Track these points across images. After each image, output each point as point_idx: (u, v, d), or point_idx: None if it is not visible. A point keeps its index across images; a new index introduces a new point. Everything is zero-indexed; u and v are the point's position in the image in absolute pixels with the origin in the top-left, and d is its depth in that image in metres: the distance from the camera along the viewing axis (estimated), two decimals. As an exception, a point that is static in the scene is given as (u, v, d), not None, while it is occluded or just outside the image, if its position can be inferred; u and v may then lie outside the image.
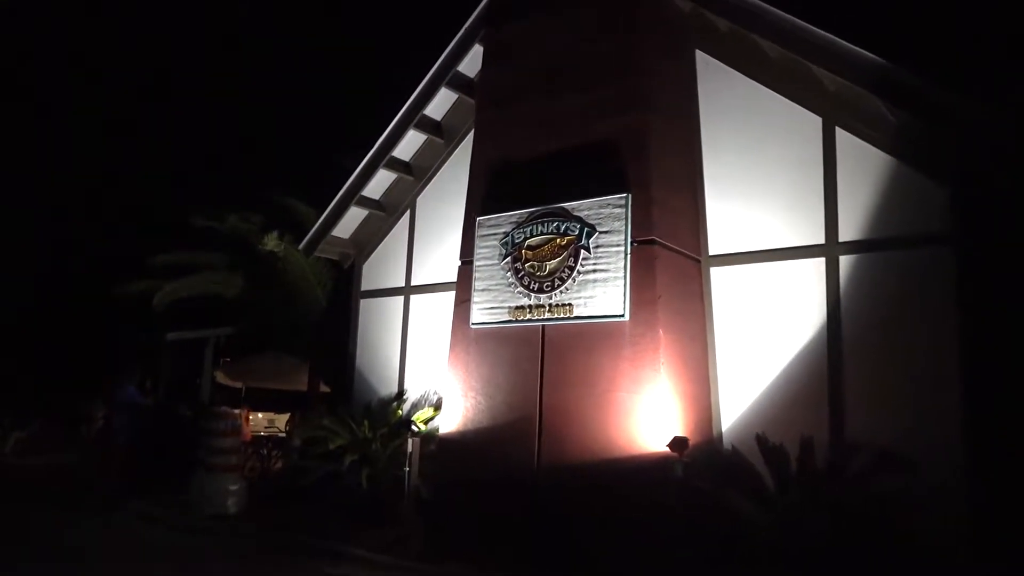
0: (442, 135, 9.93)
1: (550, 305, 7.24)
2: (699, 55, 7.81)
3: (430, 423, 8.58)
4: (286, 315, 11.90)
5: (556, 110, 7.71)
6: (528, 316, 7.37)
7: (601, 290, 6.94)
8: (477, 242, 7.96)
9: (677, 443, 6.10)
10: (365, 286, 10.60)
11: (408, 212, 10.28)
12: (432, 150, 10.03)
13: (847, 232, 6.75)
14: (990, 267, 6.03)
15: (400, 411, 8.85)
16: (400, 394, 9.66)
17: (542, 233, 7.43)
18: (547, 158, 7.66)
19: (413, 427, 7.80)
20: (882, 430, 6.20)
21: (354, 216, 10.45)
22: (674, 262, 7.03)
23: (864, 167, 6.73)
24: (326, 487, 8.26)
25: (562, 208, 7.35)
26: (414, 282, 9.98)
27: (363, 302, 10.56)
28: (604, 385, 6.79)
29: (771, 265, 7.09)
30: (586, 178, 7.30)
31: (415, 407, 9.40)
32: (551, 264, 7.31)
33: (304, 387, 13.34)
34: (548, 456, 6.98)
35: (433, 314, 9.59)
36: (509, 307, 7.54)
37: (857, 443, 6.22)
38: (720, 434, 7.06)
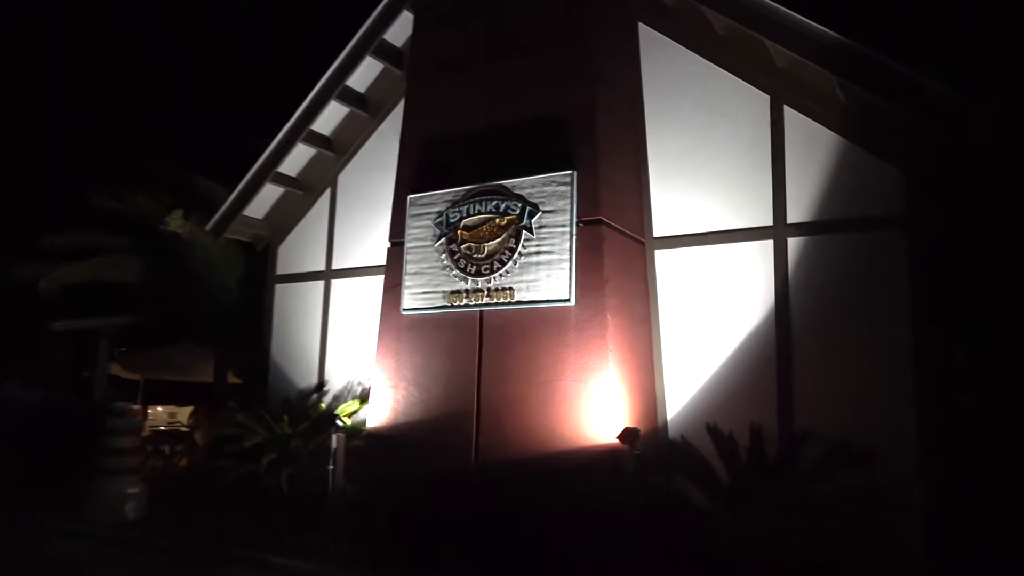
0: (367, 108, 9.26)
1: (489, 289, 6.75)
2: (643, 29, 7.46)
3: (355, 416, 7.97)
4: (192, 302, 10.95)
5: (496, 81, 7.20)
6: (465, 301, 6.87)
7: (545, 273, 6.51)
8: (409, 222, 7.38)
9: (628, 435, 5.75)
10: (281, 270, 9.82)
11: (329, 191, 9.56)
12: (355, 124, 9.34)
13: (796, 214, 6.55)
14: (943, 250, 5.94)
15: (322, 404, 8.18)
16: (320, 386, 8.98)
17: (480, 212, 6.93)
18: (486, 132, 7.15)
19: (337, 421, 7.17)
20: (833, 419, 6.04)
21: (269, 194, 9.64)
22: (620, 244, 6.67)
23: (813, 147, 6.55)
24: (243, 489, 7.54)
25: (502, 186, 6.86)
26: (336, 265, 9.29)
27: (279, 287, 9.78)
28: (548, 374, 6.37)
29: (717, 248, 6.84)
30: (529, 154, 6.83)
31: (337, 399, 8.77)
32: (490, 246, 6.82)
33: (210, 379, 12.43)
34: (489, 450, 6.52)
35: (357, 300, 8.95)
36: (444, 292, 7.01)
37: (808, 432, 6.03)
38: (665, 423, 6.77)
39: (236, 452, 7.48)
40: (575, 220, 6.46)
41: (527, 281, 6.58)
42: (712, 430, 6.07)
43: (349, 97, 9.08)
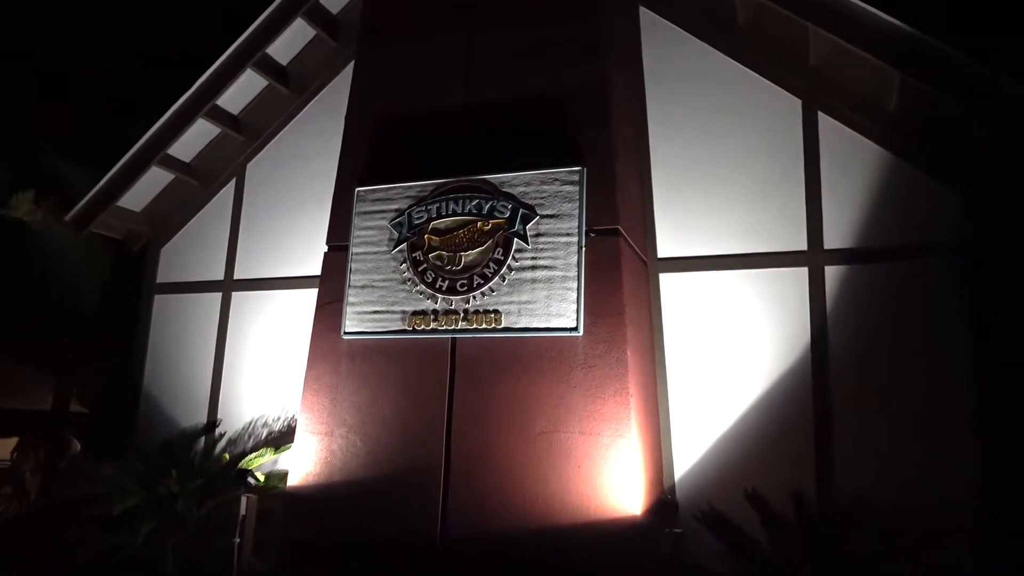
0: (288, 83, 7.53)
1: (467, 312, 5.26)
2: (644, 15, 6.32)
3: (264, 466, 6.17)
4: (36, 307, 8.61)
5: (478, 55, 5.79)
6: (433, 325, 5.33)
7: (543, 294, 5.11)
8: (356, 221, 5.77)
9: (665, 509, 4.45)
10: (164, 277, 7.80)
11: (234, 182, 7.70)
12: (273, 103, 7.58)
13: (834, 238, 5.54)
14: (1008, 282, 5.08)
15: (226, 455, 6.28)
16: (212, 425, 7.04)
17: (455, 213, 5.45)
18: (464, 114, 5.70)
19: (249, 478, 5.37)
20: (883, 478, 5.00)
21: (154, 182, 7.66)
22: (632, 264, 5.40)
23: (853, 162, 5.58)
24: (107, 566, 5.52)
25: (485, 181, 5.43)
26: (239, 275, 7.42)
27: (159, 299, 7.75)
28: (546, 423, 4.95)
29: (737, 275, 5.70)
30: (521, 144, 5.45)
31: (235, 444, 6.88)
32: (469, 256, 5.35)
33: (47, 406, 10.02)
34: (459, 516, 4.99)
35: (267, 319, 7.13)
36: (404, 312, 5.44)
37: (859, 498, 4.94)
38: (673, 486, 5.50)
39: (100, 517, 5.47)
40: (584, 228, 5.13)
41: (519, 303, 5.15)
42: (753, 497, 4.84)
43: (268, 68, 7.34)
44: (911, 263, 5.33)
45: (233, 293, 7.37)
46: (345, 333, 5.58)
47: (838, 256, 5.49)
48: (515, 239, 5.24)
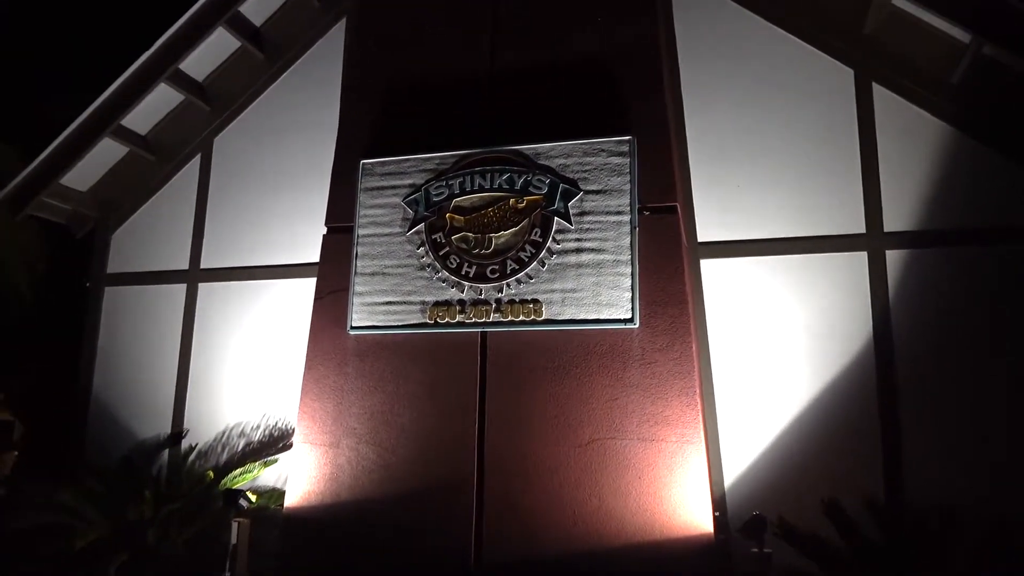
0: (262, 47, 6.64)
1: (500, 302, 4.56)
2: (672, -28, 5.73)
3: (253, 484, 5.33)
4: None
5: (507, 8, 5.08)
6: (460, 318, 4.61)
7: (591, 280, 4.45)
8: (362, 199, 4.99)
9: (754, 526, 3.84)
10: (116, 267, 6.79)
11: (199, 158, 6.75)
12: (245, 68, 6.68)
13: (895, 220, 5.06)
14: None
15: (209, 472, 5.38)
16: (178, 436, 6.11)
17: (483, 189, 4.74)
18: (490, 77, 5.00)
19: (241, 500, 4.53)
20: (959, 482, 4.54)
21: (104, 156, 6.67)
22: (686, 247, 4.79)
23: (913, 138, 5.11)
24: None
25: (518, 152, 4.73)
26: (207, 263, 6.49)
27: (111, 291, 6.74)
28: (598, 429, 4.29)
29: (785, 260, 5.17)
30: (559, 110, 4.79)
31: (203, 456, 5.99)
32: (501, 238, 4.65)
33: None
34: (497, 546, 4.29)
35: (242, 312, 6.25)
36: (423, 303, 4.70)
37: (936, 503, 4.46)
38: (723, 495, 4.92)
39: (57, 554, 4.53)
40: (636, 205, 4.49)
41: (562, 291, 4.47)
42: (831, 508, 4.28)
43: (239, 27, 6.44)
44: (980, 247, 4.88)
45: (200, 284, 6.44)
46: (352, 328, 4.80)
47: (900, 239, 5.01)
48: (555, 218, 4.57)
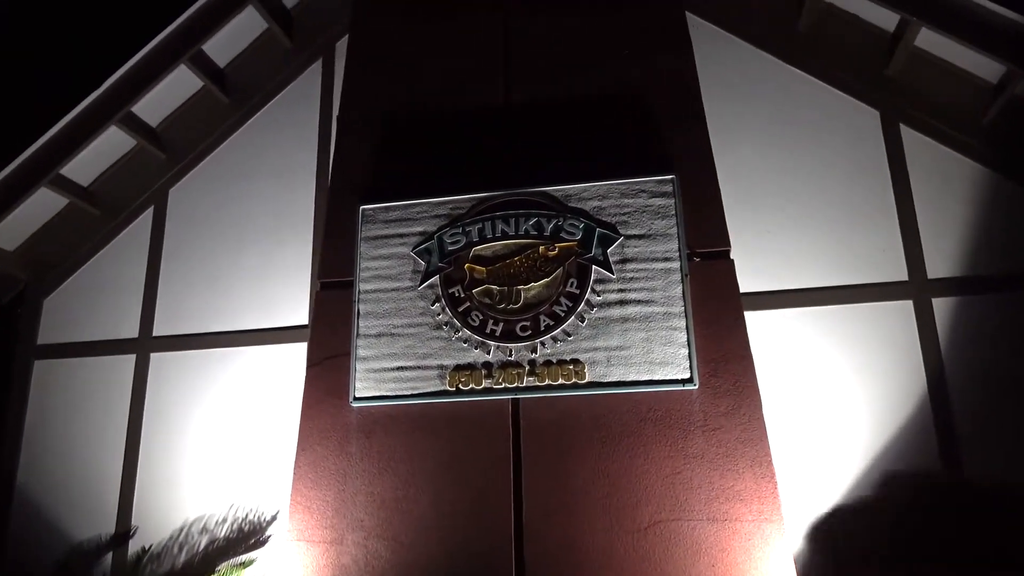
0: (226, 89, 5.98)
1: (534, 364, 3.93)
2: (692, 20, 5.39)
3: (223, 594, 4.43)
4: None
5: (524, 36, 4.65)
6: (487, 383, 3.95)
7: (640, 336, 3.89)
8: (363, 249, 4.32)
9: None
10: (48, 336, 5.82)
11: (151, 211, 5.94)
12: (207, 111, 6.00)
13: (938, 266, 4.74)
14: None
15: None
16: (124, 536, 5.13)
17: (506, 235, 4.16)
18: (506, 112, 4.49)
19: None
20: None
21: (37, 209, 5.79)
22: (735, 295, 4.30)
23: (949, 180, 4.86)
24: None
25: (545, 195, 4.20)
26: (160, 330, 5.62)
27: (41, 364, 5.75)
28: (657, 509, 3.67)
29: (825, 311, 4.76)
30: (589, 148, 4.30)
31: (156, 560, 5.03)
32: (531, 290, 4.05)
33: None
34: (547, 656, 3.55)
35: (202, 386, 5.39)
36: (442, 367, 4.03)
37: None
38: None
39: None
40: (685, 251, 4.00)
41: (607, 349, 3.89)
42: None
43: (202, 67, 5.78)
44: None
45: (152, 355, 5.56)
46: (356, 399, 4.07)
47: (945, 287, 4.68)
48: (593, 266, 4.02)
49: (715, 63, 5.22)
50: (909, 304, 4.68)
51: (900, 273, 4.75)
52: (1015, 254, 4.66)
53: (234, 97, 5.97)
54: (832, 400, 4.57)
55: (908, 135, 4.98)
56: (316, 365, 4.23)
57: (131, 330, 5.63)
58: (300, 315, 5.34)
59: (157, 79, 5.59)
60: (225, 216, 5.76)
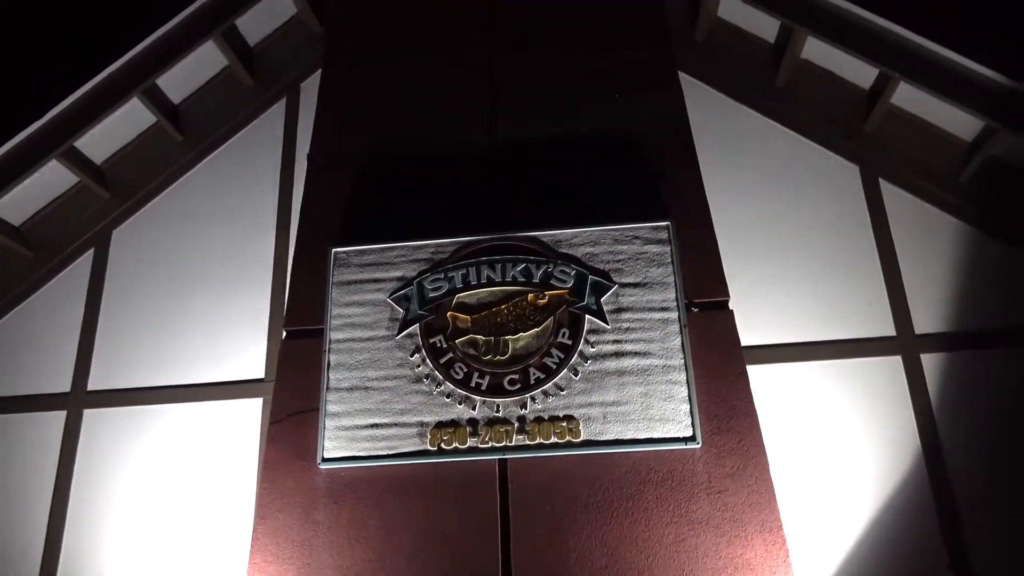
0: (180, 126, 5.62)
1: (524, 420, 3.62)
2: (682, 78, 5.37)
3: None
4: None
5: (509, 74, 4.49)
6: (472, 442, 3.61)
7: (638, 390, 3.63)
8: (334, 295, 3.98)
9: None
10: (-35, 390, 5.21)
11: (91, 254, 5.46)
12: (158, 149, 5.61)
13: (925, 321, 4.67)
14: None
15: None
16: (43, 619, 4.50)
17: (492, 282, 3.88)
18: (490, 153, 4.28)
19: None
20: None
21: (-41, 250, 5.24)
22: (730, 348, 4.10)
23: (931, 236, 4.85)
24: None
25: (533, 240, 3.96)
26: (96, 384, 5.08)
27: (-45, 422, 5.12)
28: (662, 582, 3.35)
29: (815, 366, 4.61)
30: (579, 191, 4.10)
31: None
32: (520, 340, 3.77)
33: None
34: None
35: (141, 446, 4.86)
36: (422, 424, 3.67)
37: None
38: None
39: None
40: (682, 300, 3.79)
41: (603, 405, 3.62)
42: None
43: (156, 101, 5.42)
44: (1015, 349, 4.54)
45: (85, 411, 5.01)
46: (324, 460, 3.66)
47: (933, 342, 4.60)
48: (586, 315, 3.77)
49: (697, 114, 5.13)
50: (898, 360, 4.57)
51: (888, 328, 4.65)
52: (998, 311, 4.63)
53: (188, 135, 5.61)
54: (824, 459, 4.38)
55: (888, 190, 4.97)
56: (280, 422, 3.82)
57: (63, 384, 5.08)
58: (255, 368, 4.92)
59: (106, 112, 5.20)
60: (174, 261, 5.33)
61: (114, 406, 4.98)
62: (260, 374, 4.88)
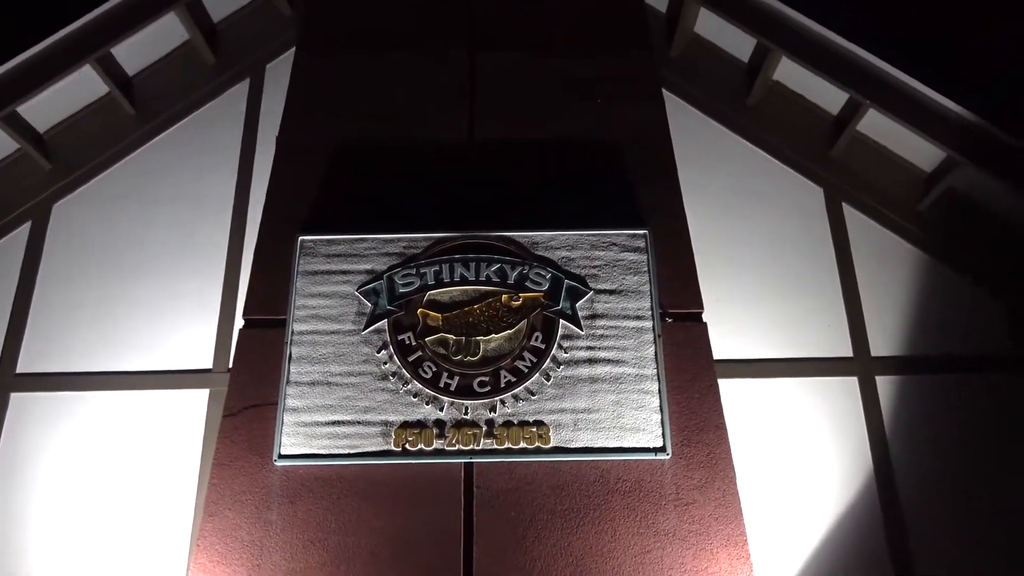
0: (133, 100, 5.35)
1: (492, 424, 3.54)
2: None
3: None
4: None
5: (492, 73, 4.40)
6: (438, 444, 3.50)
7: (610, 398, 3.59)
8: (299, 285, 3.82)
9: None
10: None
11: (28, 227, 5.12)
12: (108, 121, 5.32)
13: (881, 344, 4.79)
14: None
15: None
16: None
17: (466, 280, 3.79)
18: (470, 150, 4.20)
19: None
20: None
21: None
22: (699, 361, 4.10)
23: (889, 261, 4.99)
24: None
25: (510, 240, 3.89)
26: (25, 366, 4.75)
27: None
28: (626, 594, 3.31)
29: (770, 383, 4.67)
30: (558, 194, 4.06)
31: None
32: (492, 342, 3.68)
33: None
34: None
35: (77, 435, 4.57)
36: (386, 424, 3.55)
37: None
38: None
39: None
40: (657, 309, 3.77)
41: (575, 412, 3.56)
42: None
43: (109, 71, 5.15)
44: (964, 375, 4.70)
45: (12, 395, 4.68)
46: (280, 457, 3.49)
47: (887, 365, 4.72)
48: (561, 320, 3.71)
49: (678, 124, 5.17)
50: (855, 381, 4.67)
51: (846, 349, 4.75)
52: (951, 338, 4.78)
53: (142, 110, 5.34)
54: (782, 474, 4.43)
55: (851, 214, 5.09)
56: (234, 415, 3.63)
57: (-14, 364, 4.73)
58: (202, 358, 4.69)
59: (55, 78, 4.90)
60: (119, 240, 5.05)
61: (45, 391, 4.67)
62: (208, 364, 4.66)
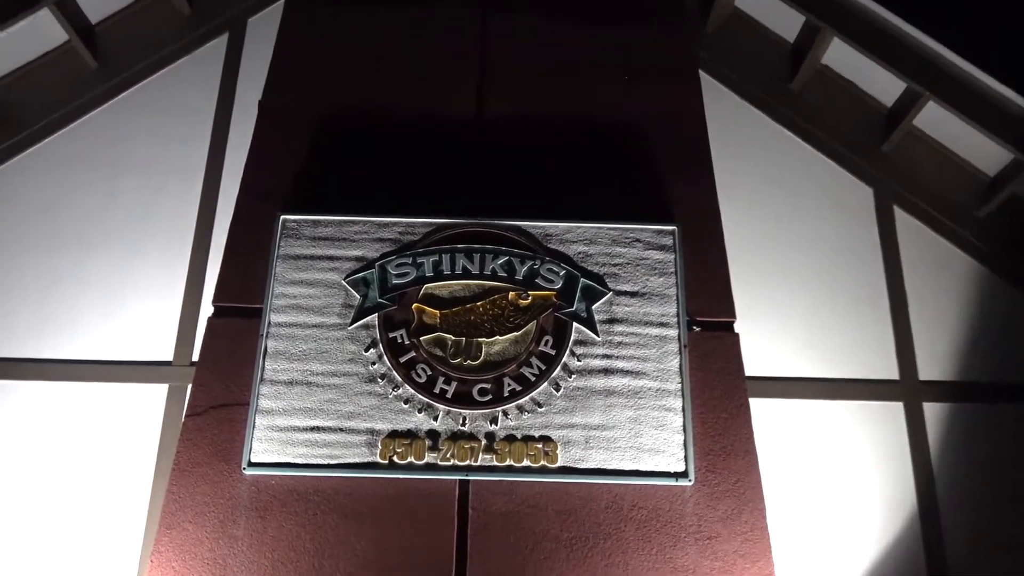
0: (95, 51, 5.32)
1: (493, 437, 3.52)
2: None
3: None
4: None
5: (506, 43, 4.40)
6: (430, 457, 3.49)
7: (627, 414, 3.58)
8: (279, 270, 3.80)
9: None
10: None
11: (-31, 191, 5.10)
12: (64, 74, 5.29)
13: (930, 368, 4.79)
14: None
15: None
16: None
17: (468, 274, 3.78)
18: (477, 129, 4.19)
19: None
20: None
21: None
22: (728, 376, 4.10)
23: (942, 271, 5.01)
24: None
25: (519, 231, 3.88)
26: (-32, 350, 4.73)
27: None
28: (638, 636, 3.30)
29: (805, 405, 4.68)
30: (578, 179, 4.05)
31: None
32: (495, 345, 3.67)
33: None
34: None
35: (13, 431, 4.53)
36: (372, 432, 3.53)
37: None
38: None
39: None
40: (684, 317, 3.76)
41: (586, 428, 3.55)
42: None
43: (70, 16, 5.11)
44: (1022, 407, 4.72)
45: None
46: (251, 464, 3.47)
47: (936, 391, 4.73)
48: (574, 323, 3.70)
49: (714, 111, 5.17)
50: (900, 406, 4.68)
51: (892, 371, 4.76)
52: (1009, 361, 4.79)
53: (104, 63, 5.32)
54: (815, 507, 4.44)
55: (902, 218, 5.10)
56: (198, 415, 3.60)
57: (-80, 345, 4.70)
58: (162, 349, 4.67)
59: (7, 22, 4.87)
60: (72, 210, 5.03)
61: (17, 379, 4.64)
62: (168, 356, 4.63)
